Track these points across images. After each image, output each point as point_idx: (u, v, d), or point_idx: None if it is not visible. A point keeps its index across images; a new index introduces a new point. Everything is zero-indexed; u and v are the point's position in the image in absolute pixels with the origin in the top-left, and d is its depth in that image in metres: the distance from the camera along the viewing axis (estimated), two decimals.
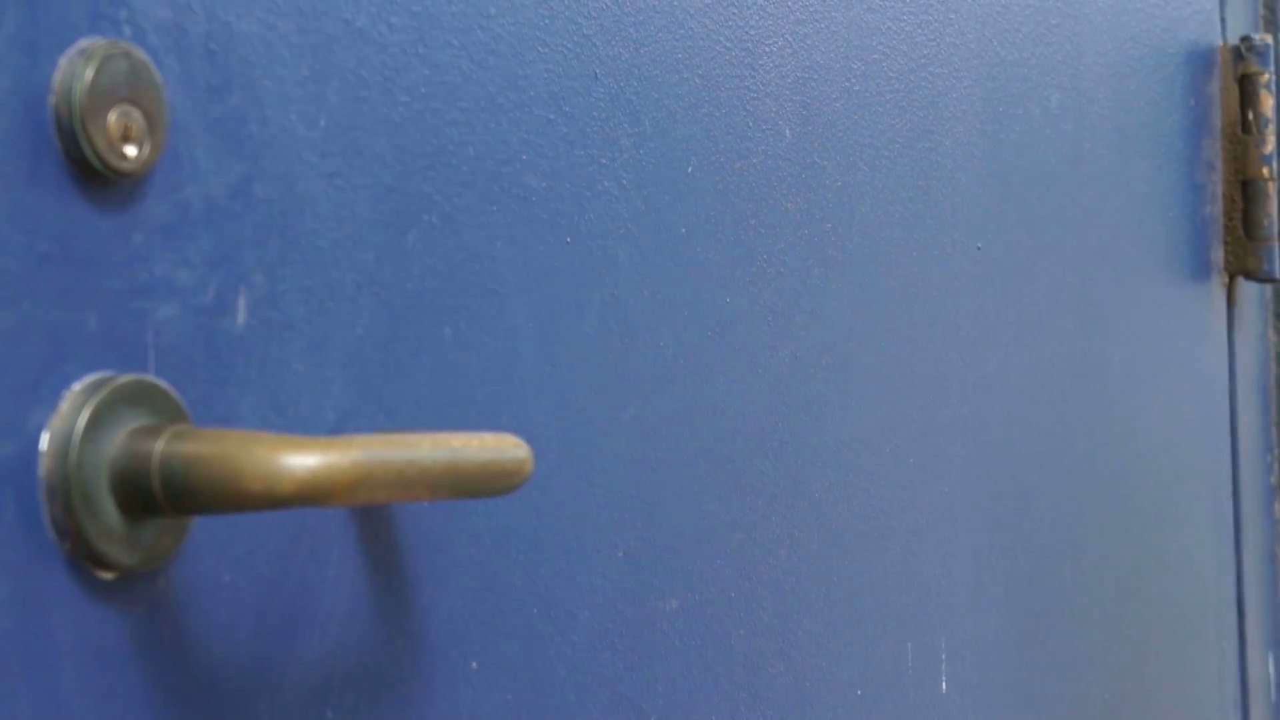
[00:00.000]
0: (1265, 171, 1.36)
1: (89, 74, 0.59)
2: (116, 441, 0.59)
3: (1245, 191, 1.37)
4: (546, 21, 0.78)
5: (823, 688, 0.94)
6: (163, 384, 0.61)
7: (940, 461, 1.04)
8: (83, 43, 0.59)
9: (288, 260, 0.66)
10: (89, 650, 0.59)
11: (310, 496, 0.58)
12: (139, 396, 0.60)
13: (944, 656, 1.04)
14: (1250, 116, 1.36)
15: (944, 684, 1.04)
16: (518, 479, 0.67)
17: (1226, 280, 1.37)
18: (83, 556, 0.59)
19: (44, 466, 0.58)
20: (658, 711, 0.84)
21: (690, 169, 0.85)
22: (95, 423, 0.59)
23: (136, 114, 0.60)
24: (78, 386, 0.59)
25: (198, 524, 0.63)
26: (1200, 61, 1.33)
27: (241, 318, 0.65)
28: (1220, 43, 1.35)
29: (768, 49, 0.90)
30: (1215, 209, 1.36)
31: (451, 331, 0.73)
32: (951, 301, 1.05)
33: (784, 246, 0.92)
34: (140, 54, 0.61)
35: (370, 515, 0.70)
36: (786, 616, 0.92)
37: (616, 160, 0.81)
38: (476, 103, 0.74)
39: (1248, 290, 1.40)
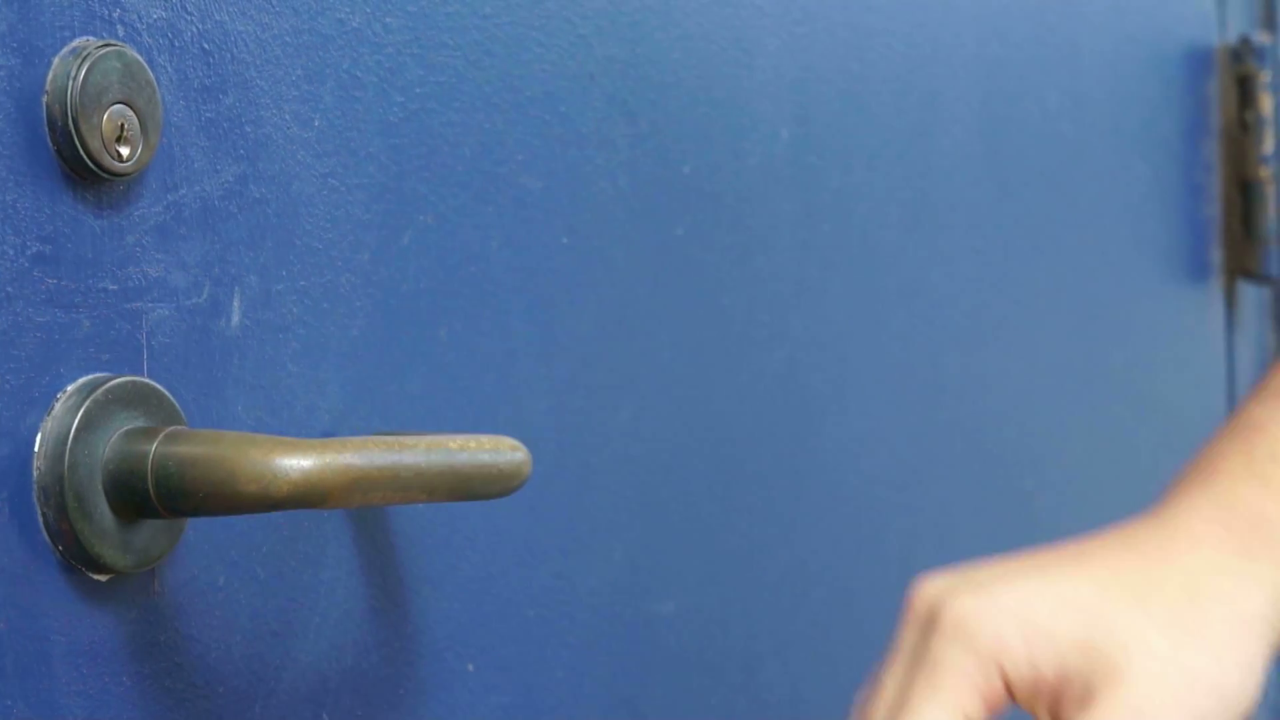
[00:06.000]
0: (1264, 172, 1.36)
1: (82, 74, 0.58)
2: (110, 443, 0.59)
3: (1244, 192, 1.36)
4: (542, 21, 0.78)
5: (822, 689, 0.94)
6: (157, 385, 0.61)
7: (940, 461, 1.04)
8: (76, 42, 0.59)
9: (282, 261, 0.66)
10: (82, 653, 0.59)
11: (305, 499, 0.58)
12: (133, 398, 0.60)
13: None
14: (1249, 117, 1.36)
15: None
16: (516, 481, 0.67)
17: (1226, 281, 1.37)
18: (76, 558, 0.58)
19: (37, 468, 0.58)
20: (655, 713, 0.83)
21: (687, 169, 0.85)
22: (89, 424, 0.58)
23: (130, 114, 0.60)
24: (71, 388, 0.59)
25: (192, 526, 0.63)
26: (1198, 61, 1.33)
27: (236, 319, 0.64)
28: (1218, 43, 1.35)
29: (765, 49, 0.90)
30: (1214, 210, 1.36)
31: (447, 332, 0.73)
32: (950, 301, 1.05)
33: (781, 247, 0.92)
34: (134, 54, 0.60)
35: (366, 517, 0.70)
36: (785, 617, 0.92)
37: (613, 161, 0.81)
38: (472, 103, 0.74)
39: (1247, 291, 1.40)
